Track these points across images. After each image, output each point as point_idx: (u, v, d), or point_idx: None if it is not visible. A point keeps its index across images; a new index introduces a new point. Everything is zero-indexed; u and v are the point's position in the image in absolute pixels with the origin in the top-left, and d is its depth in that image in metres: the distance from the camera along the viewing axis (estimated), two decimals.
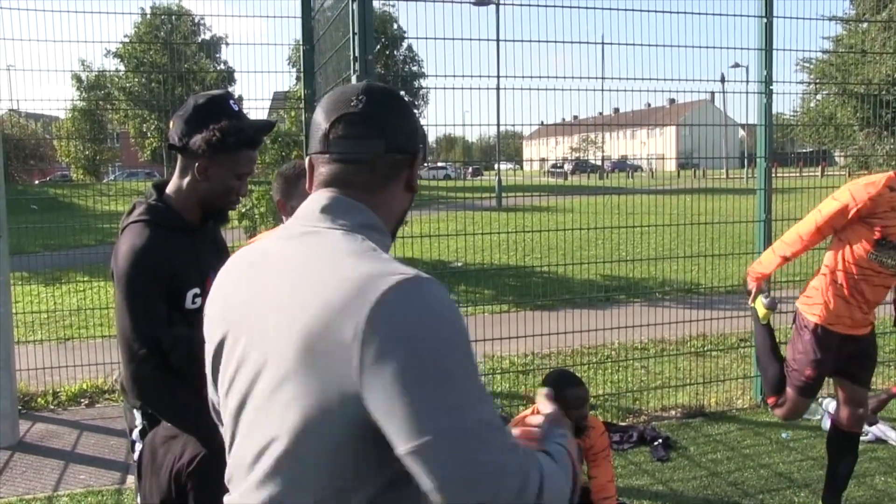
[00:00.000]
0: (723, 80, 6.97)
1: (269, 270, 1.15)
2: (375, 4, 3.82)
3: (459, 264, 9.55)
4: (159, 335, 1.96)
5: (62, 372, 5.69)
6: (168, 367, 1.96)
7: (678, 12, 5.05)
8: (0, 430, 4.66)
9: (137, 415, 2.12)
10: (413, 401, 0.95)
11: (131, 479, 3.93)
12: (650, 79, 5.18)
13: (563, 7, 4.84)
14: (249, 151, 2.10)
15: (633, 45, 5.06)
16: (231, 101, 2.08)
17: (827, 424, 4.10)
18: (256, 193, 7.36)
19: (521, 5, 5.06)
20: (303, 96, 5.41)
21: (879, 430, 4.52)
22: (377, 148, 1.18)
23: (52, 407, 5.41)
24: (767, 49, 5.01)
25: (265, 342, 1.08)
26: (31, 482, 4.17)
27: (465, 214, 6.68)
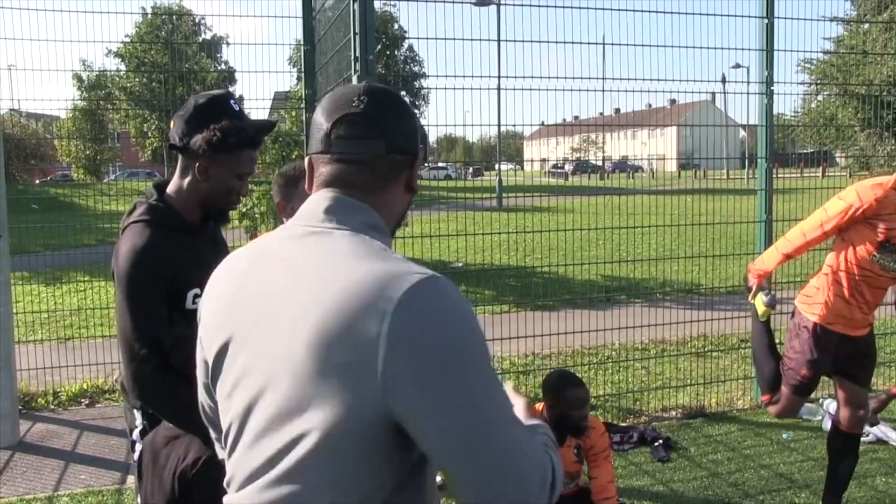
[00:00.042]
0: (724, 81, 6.97)
1: (274, 271, 1.15)
2: (376, 4, 3.82)
3: (460, 264, 9.55)
4: (160, 335, 1.96)
5: (62, 372, 5.69)
6: (169, 367, 1.96)
7: (679, 13, 5.05)
8: (0, 430, 4.66)
9: (138, 415, 2.12)
10: (441, 398, 0.99)
11: (132, 479, 3.93)
12: (651, 79, 5.19)
13: (563, 7, 4.84)
14: (250, 151, 2.10)
15: (634, 45, 5.06)
16: (232, 101, 2.08)
17: (828, 425, 4.09)
18: (257, 193, 7.35)
19: (522, 5, 5.07)
20: (303, 96, 5.41)
21: (881, 430, 4.52)
22: (378, 148, 1.19)
23: (52, 407, 5.41)
24: (768, 50, 5.01)
25: (277, 343, 1.07)
26: (31, 482, 4.17)
27: (466, 214, 6.68)
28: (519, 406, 1.33)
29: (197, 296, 2.04)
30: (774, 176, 5.29)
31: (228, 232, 2.52)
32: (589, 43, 5.03)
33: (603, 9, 5.03)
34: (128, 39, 26.91)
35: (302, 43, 5.25)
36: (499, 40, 5.34)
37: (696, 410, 5.12)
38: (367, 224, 1.17)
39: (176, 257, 2.01)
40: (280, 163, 7.33)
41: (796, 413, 3.82)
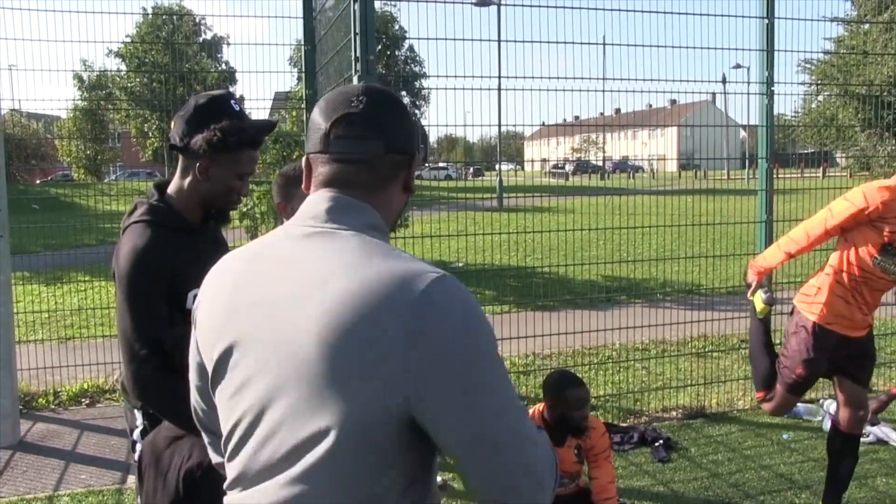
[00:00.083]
0: (724, 81, 6.97)
1: (277, 272, 1.14)
2: (377, 4, 3.82)
3: (460, 265, 9.55)
4: (161, 335, 1.96)
5: (63, 371, 5.70)
6: (169, 367, 1.96)
7: (679, 13, 5.05)
8: (1, 430, 4.66)
9: (138, 415, 2.12)
10: (462, 394, 1.02)
11: (132, 479, 3.93)
12: (651, 79, 5.19)
13: (564, 8, 4.84)
14: (251, 151, 2.10)
15: (635, 45, 5.06)
16: (232, 101, 2.08)
17: (828, 426, 4.09)
18: (257, 193, 7.35)
19: (523, 6, 5.06)
20: (304, 96, 5.41)
21: (881, 431, 4.52)
22: (377, 148, 1.19)
23: (52, 407, 5.41)
24: (769, 50, 5.01)
25: (288, 345, 1.07)
26: (31, 482, 4.17)
27: (466, 215, 6.68)
28: None
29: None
30: (775, 176, 5.28)
31: (229, 232, 2.52)
32: (589, 43, 5.03)
33: (603, 9, 5.04)
34: (128, 39, 26.89)
35: (302, 43, 5.26)
36: (499, 41, 5.35)
37: (697, 411, 5.12)
38: (369, 224, 1.18)
39: (177, 257, 2.01)
40: (280, 163, 7.34)
41: (790, 411, 3.85)
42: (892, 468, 4.16)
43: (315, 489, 1.06)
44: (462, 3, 4.74)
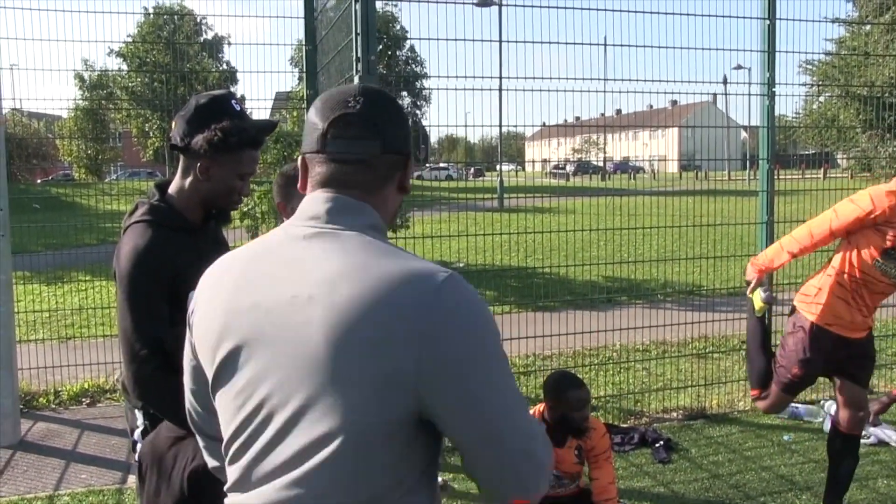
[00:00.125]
0: (725, 82, 6.97)
1: (280, 273, 1.14)
2: (378, 5, 3.82)
3: (461, 265, 9.55)
4: (162, 335, 1.95)
5: (63, 371, 5.70)
6: (170, 367, 1.96)
7: (681, 14, 5.04)
8: (1, 430, 4.66)
9: (139, 415, 2.11)
10: (474, 388, 1.06)
11: (133, 479, 3.93)
12: (652, 80, 5.18)
13: (565, 8, 4.84)
14: (251, 151, 2.10)
15: (636, 46, 5.05)
16: (233, 101, 2.08)
17: (828, 427, 4.09)
18: (258, 193, 7.35)
19: (524, 6, 5.06)
20: (305, 96, 5.41)
21: (882, 432, 4.51)
22: (374, 149, 1.20)
23: (53, 406, 5.41)
24: (770, 51, 5.00)
25: (297, 346, 1.08)
26: (32, 481, 4.17)
27: (467, 215, 6.68)
28: None
29: None
30: (776, 177, 5.28)
31: (230, 232, 2.52)
32: (590, 44, 5.04)
33: (604, 10, 5.04)
34: (130, 39, 26.92)
35: (304, 43, 5.26)
36: (500, 41, 5.35)
37: (697, 412, 5.11)
38: (370, 225, 1.18)
39: (177, 257, 2.01)
40: (281, 163, 7.34)
41: (784, 409, 3.91)
42: (893, 470, 4.16)
43: (322, 489, 1.07)
44: (463, 3, 4.74)
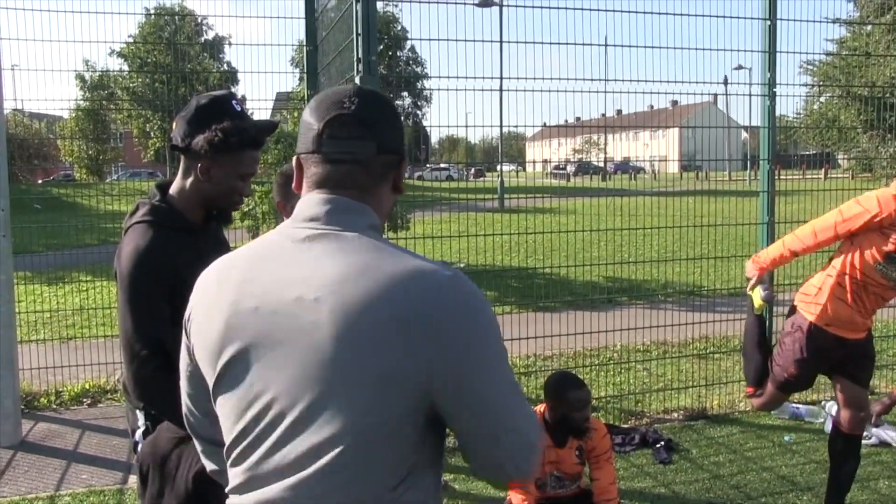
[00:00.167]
0: (726, 83, 6.98)
1: (286, 274, 1.14)
2: (378, 5, 3.82)
3: (462, 265, 9.55)
4: (162, 336, 1.95)
5: (65, 371, 5.70)
6: (170, 367, 1.96)
7: (681, 14, 5.05)
8: (2, 430, 4.66)
9: (140, 416, 2.11)
10: (482, 378, 1.10)
11: (133, 479, 3.93)
12: (653, 81, 5.19)
13: (566, 9, 4.84)
14: (252, 152, 2.10)
15: (637, 46, 5.06)
16: (234, 102, 2.08)
17: (829, 428, 4.09)
18: (259, 193, 7.36)
19: (524, 7, 5.06)
20: (306, 97, 5.41)
21: (884, 432, 4.51)
22: (370, 149, 1.21)
23: (54, 406, 5.42)
24: (771, 51, 5.00)
25: (306, 346, 1.09)
26: (33, 482, 4.17)
27: (468, 216, 6.67)
28: None
29: None
30: (776, 177, 5.28)
31: (230, 232, 2.53)
32: (591, 44, 5.04)
33: (605, 10, 5.04)
34: (130, 40, 26.94)
35: (304, 44, 5.26)
36: (501, 41, 5.35)
37: (698, 412, 5.11)
38: (369, 225, 1.19)
39: (178, 258, 2.01)
40: (282, 163, 7.34)
41: (778, 407, 3.94)
42: (894, 470, 4.16)
43: (332, 486, 1.08)
44: (464, 3, 4.74)
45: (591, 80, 5.01)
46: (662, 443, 4.48)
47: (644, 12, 5.00)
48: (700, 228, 5.96)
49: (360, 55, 3.65)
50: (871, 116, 7.45)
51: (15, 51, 5.54)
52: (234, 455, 1.18)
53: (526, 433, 1.15)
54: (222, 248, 2.27)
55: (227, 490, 1.21)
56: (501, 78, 6.81)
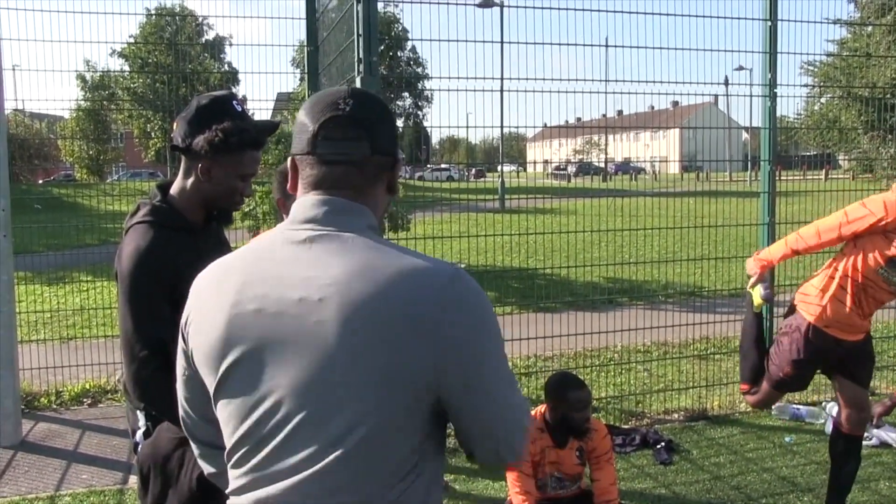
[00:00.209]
0: (727, 83, 6.97)
1: (289, 276, 1.14)
2: (379, 6, 3.82)
3: (462, 266, 9.53)
4: (163, 336, 1.95)
5: (65, 371, 5.70)
6: (170, 367, 1.95)
7: (682, 15, 5.05)
8: (3, 430, 4.66)
9: (141, 416, 2.11)
10: (478, 381, 1.14)
11: (134, 480, 3.93)
12: (654, 81, 5.17)
13: (566, 9, 4.85)
14: (253, 152, 2.10)
15: (637, 47, 5.05)
16: (234, 102, 2.07)
17: (830, 429, 4.09)
18: (259, 193, 7.36)
19: (525, 7, 5.06)
20: (306, 97, 5.40)
21: (885, 434, 4.50)
22: (364, 150, 1.22)
23: (54, 406, 5.42)
24: (771, 52, 5.00)
25: (314, 345, 1.10)
26: (33, 482, 4.17)
27: (469, 216, 6.68)
28: None
29: None
30: (777, 178, 5.27)
31: (231, 232, 2.53)
32: (592, 45, 5.03)
33: (606, 11, 5.03)
34: (131, 40, 26.96)
35: (305, 44, 5.26)
36: (502, 42, 5.35)
37: (699, 413, 5.11)
38: (368, 226, 1.20)
39: (179, 258, 2.01)
40: (282, 163, 7.34)
41: (773, 405, 4.00)
42: (895, 471, 4.15)
43: (340, 483, 1.10)
44: (465, 4, 4.74)
45: (592, 80, 5.03)
46: (663, 444, 4.48)
47: (645, 13, 5.00)
48: (701, 229, 5.95)
49: (360, 56, 3.65)
50: (871, 117, 7.45)
51: (16, 51, 5.56)
52: (236, 457, 1.18)
53: (520, 420, 1.20)
54: (223, 248, 2.27)
55: (227, 492, 1.21)
56: (502, 78, 6.82)
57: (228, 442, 1.19)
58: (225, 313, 1.17)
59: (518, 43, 5.02)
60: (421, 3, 4.59)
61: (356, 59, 3.67)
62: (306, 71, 5.28)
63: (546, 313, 6.44)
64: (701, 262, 8.03)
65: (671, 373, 5.97)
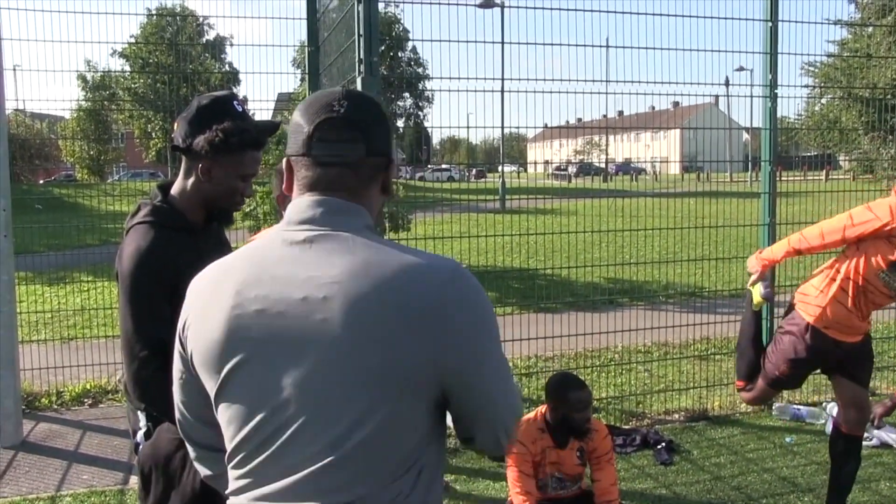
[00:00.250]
0: (727, 84, 6.96)
1: (290, 276, 1.14)
2: (380, 6, 3.82)
3: (463, 266, 9.51)
4: (163, 336, 1.95)
5: (66, 372, 5.70)
6: (171, 368, 1.95)
7: (683, 15, 5.04)
8: (4, 430, 4.66)
9: (142, 416, 2.11)
10: (490, 359, 1.18)
11: (134, 480, 3.93)
12: (654, 82, 5.17)
13: (567, 10, 4.85)
14: (253, 152, 2.10)
15: (638, 48, 5.05)
16: (235, 102, 2.07)
17: (830, 429, 4.09)
18: (260, 194, 7.36)
19: (526, 8, 5.06)
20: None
21: (886, 434, 4.50)
22: (359, 151, 1.22)
23: (55, 407, 5.42)
24: (772, 53, 5.00)
25: (320, 342, 1.10)
26: (34, 482, 4.17)
27: (469, 216, 6.67)
28: None
29: None
30: (778, 179, 5.27)
31: (232, 232, 2.53)
32: (592, 45, 5.04)
33: (606, 11, 5.03)
34: (132, 40, 26.97)
35: (306, 44, 5.26)
36: (502, 42, 5.35)
37: (699, 413, 5.11)
38: (364, 225, 1.21)
39: (180, 258, 2.01)
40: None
41: (767, 402, 4.11)
42: (895, 472, 4.15)
43: (347, 478, 1.11)
44: (465, 4, 4.74)
45: (593, 81, 5.02)
46: (663, 444, 4.48)
47: (645, 13, 5.00)
48: (701, 230, 5.95)
49: (361, 56, 3.65)
50: (872, 118, 7.45)
51: (17, 51, 5.56)
52: (239, 458, 1.18)
53: (515, 406, 1.25)
54: (223, 248, 2.27)
55: (227, 492, 1.21)
56: (503, 79, 6.82)
57: (230, 443, 1.19)
58: (225, 315, 1.17)
59: (519, 43, 5.02)
60: (422, 3, 4.59)
61: (357, 59, 3.68)
62: (307, 71, 5.28)
63: (547, 314, 6.44)
64: (701, 262, 8.03)
65: (672, 373, 5.97)
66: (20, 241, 6.38)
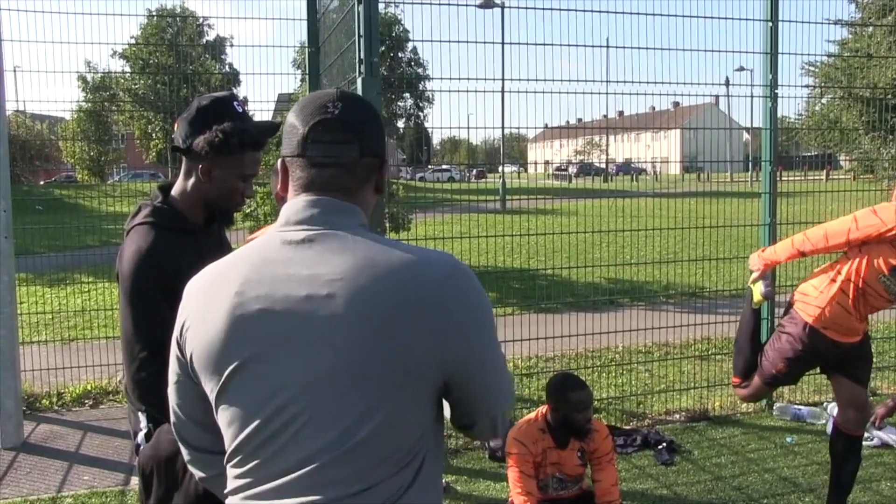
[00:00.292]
0: (727, 84, 6.96)
1: (291, 275, 1.15)
2: (380, 7, 3.83)
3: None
4: (163, 337, 1.95)
5: (66, 373, 5.70)
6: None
7: (683, 16, 5.04)
8: (4, 431, 4.67)
9: (142, 418, 2.11)
10: (489, 350, 1.22)
11: (135, 481, 3.93)
12: (655, 82, 5.16)
13: (567, 10, 4.84)
14: (253, 153, 2.10)
15: (638, 48, 5.05)
16: (235, 103, 2.07)
17: (831, 429, 4.08)
18: (260, 194, 7.36)
19: (526, 8, 5.07)
20: None
21: (886, 435, 4.50)
22: (353, 152, 1.24)
23: (56, 408, 5.42)
24: (772, 53, 5.00)
25: (325, 340, 1.11)
26: (35, 483, 4.17)
27: (470, 217, 6.68)
28: None
29: None
30: (778, 179, 5.27)
31: (232, 233, 2.53)
32: (593, 46, 5.03)
33: (607, 11, 5.02)
34: (133, 41, 26.99)
35: (306, 45, 5.26)
36: (503, 43, 5.35)
37: (700, 414, 5.11)
38: (361, 224, 1.23)
39: (180, 259, 2.00)
40: None
41: (763, 399, 4.14)
42: None
43: (352, 474, 1.11)
44: (466, 5, 4.74)
45: (593, 81, 5.03)
46: (664, 444, 4.48)
47: (646, 14, 4.99)
48: (702, 230, 5.95)
49: (361, 56, 3.65)
50: (872, 118, 7.45)
51: (17, 52, 5.56)
52: (240, 457, 1.18)
53: (510, 394, 1.30)
54: (224, 249, 2.27)
55: (226, 492, 1.21)
56: (503, 79, 6.82)
57: (231, 443, 1.19)
58: (227, 316, 1.16)
59: (519, 44, 5.02)
60: (422, 4, 4.59)
61: (357, 59, 3.68)
62: (307, 72, 5.28)
63: (547, 314, 6.44)
64: (702, 262, 8.02)
65: (672, 373, 5.97)
66: (21, 242, 6.39)
